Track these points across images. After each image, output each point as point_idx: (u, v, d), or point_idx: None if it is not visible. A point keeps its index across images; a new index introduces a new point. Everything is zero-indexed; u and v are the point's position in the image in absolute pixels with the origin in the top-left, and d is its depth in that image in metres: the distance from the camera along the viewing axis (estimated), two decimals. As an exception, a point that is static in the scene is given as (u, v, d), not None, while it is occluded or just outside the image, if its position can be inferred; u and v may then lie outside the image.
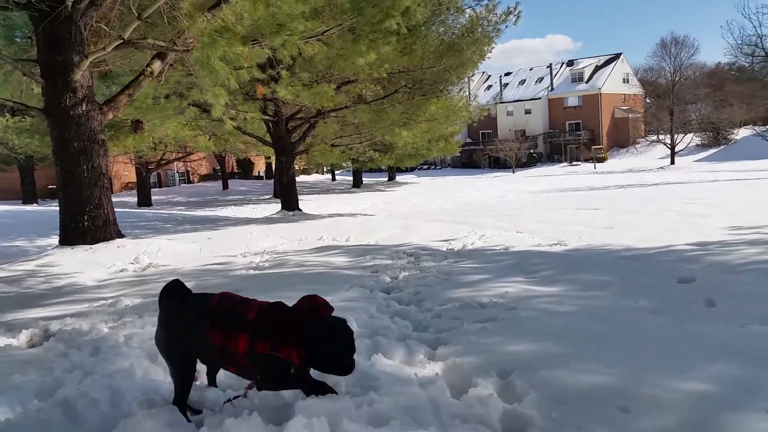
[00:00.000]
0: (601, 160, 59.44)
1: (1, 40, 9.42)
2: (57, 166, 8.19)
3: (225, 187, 46.34)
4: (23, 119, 17.36)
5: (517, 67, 75.28)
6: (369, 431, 2.04)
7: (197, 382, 2.85)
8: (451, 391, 2.54)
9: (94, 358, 3.48)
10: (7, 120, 17.23)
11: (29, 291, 6.14)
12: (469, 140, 66.40)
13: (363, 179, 48.17)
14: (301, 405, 2.30)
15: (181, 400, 2.63)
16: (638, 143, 63.54)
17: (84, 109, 7.94)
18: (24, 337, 4.17)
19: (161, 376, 3.05)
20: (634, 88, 65.27)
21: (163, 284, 2.74)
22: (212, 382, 2.92)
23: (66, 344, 3.82)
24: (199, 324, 2.55)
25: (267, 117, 16.31)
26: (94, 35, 7.72)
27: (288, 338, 2.43)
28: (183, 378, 2.64)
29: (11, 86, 9.39)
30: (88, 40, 7.71)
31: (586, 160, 59.92)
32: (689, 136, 56.26)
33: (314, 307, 2.50)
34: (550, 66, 69.75)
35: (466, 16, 15.42)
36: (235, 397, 2.61)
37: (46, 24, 7.53)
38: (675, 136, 54.33)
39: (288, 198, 18.29)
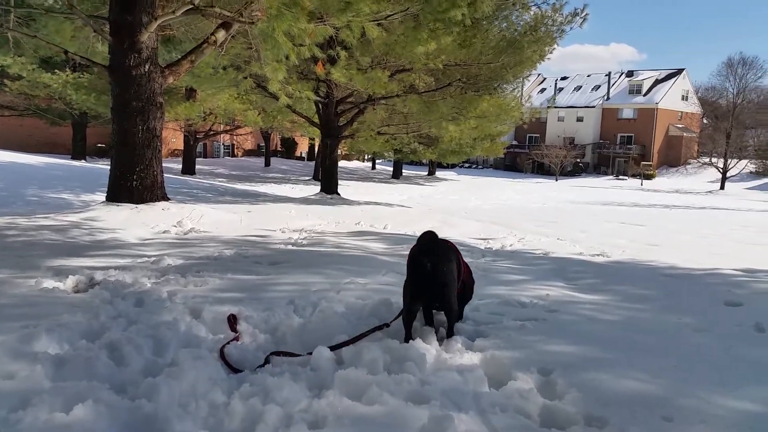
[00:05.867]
0: (649, 177, 58.00)
1: (76, -4, 9.66)
2: (114, 124, 8.38)
3: (267, 164, 46.96)
4: (81, 75, 17.84)
5: (575, 73, 73.69)
6: (408, 407, 2.04)
7: (238, 342, 2.90)
8: (489, 381, 2.52)
9: (139, 308, 3.58)
10: (66, 75, 17.74)
11: (74, 241, 6.27)
12: (514, 143, 65.55)
13: (403, 171, 48.11)
14: (341, 374, 2.32)
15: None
16: (689, 164, 61.77)
17: (146, 69, 8.10)
18: (70, 282, 4.28)
19: (203, 332, 3.11)
20: (693, 107, 63.36)
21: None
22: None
23: (111, 293, 3.92)
24: (458, 259, 3.22)
25: (318, 98, 16.41)
26: (164, -2, 7.87)
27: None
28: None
29: (78, 42, 9.64)
30: (157, 3, 7.87)
31: (633, 176, 58.55)
32: (743, 162, 54.34)
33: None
34: (608, 74, 68.12)
35: (531, 13, 15.13)
36: (276, 353, 2.67)
37: (119, -17, 7.69)
38: (729, 161, 52.59)
39: (328, 181, 18.40)
